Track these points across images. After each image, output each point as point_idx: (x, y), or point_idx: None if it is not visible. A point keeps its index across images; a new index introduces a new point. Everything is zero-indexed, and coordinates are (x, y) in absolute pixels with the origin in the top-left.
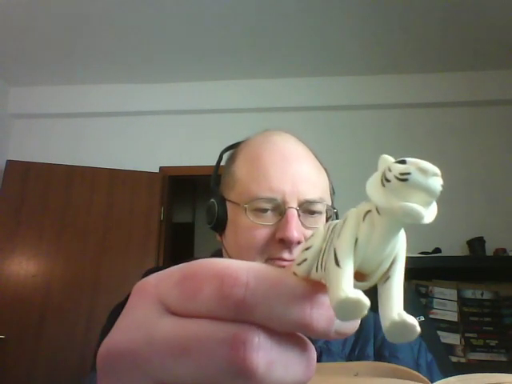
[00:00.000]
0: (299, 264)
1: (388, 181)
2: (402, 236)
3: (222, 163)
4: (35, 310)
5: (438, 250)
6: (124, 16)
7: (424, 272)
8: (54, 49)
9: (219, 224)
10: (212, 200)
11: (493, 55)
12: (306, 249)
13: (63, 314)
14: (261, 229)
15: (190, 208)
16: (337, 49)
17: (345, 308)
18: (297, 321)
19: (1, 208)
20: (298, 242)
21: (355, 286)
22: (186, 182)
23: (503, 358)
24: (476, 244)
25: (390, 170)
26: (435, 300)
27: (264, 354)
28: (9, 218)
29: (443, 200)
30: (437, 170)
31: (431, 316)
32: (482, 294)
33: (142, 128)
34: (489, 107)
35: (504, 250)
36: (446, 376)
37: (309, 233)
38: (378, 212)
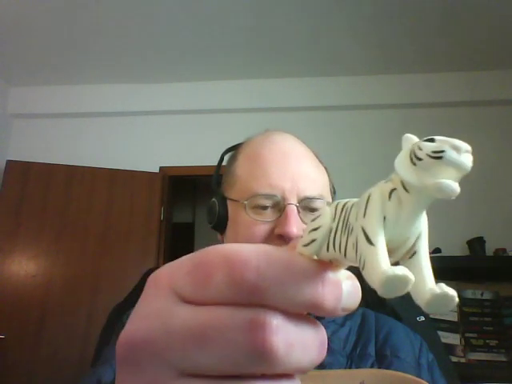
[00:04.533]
0: (307, 245)
1: (419, 159)
2: (424, 212)
3: (223, 163)
4: (35, 310)
5: (437, 250)
6: (124, 16)
7: None
8: (54, 49)
9: (220, 223)
10: (213, 199)
11: (493, 55)
12: (314, 229)
13: (63, 313)
14: (260, 225)
15: (190, 208)
16: (337, 49)
17: (391, 284)
18: (310, 300)
19: (1, 208)
20: None
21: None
22: (186, 182)
23: (503, 358)
24: (476, 244)
25: (420, 149)
26: None
27: (283, 336)
28: (9, 218)
29: (443, 200)
30: (469, 147)
31: (431, 316)
32: (481, 294)
33: (142, 128)
34: (489, 107)
35: (504, 250)
36: (446, 376)
37: None
38: (405, 189)
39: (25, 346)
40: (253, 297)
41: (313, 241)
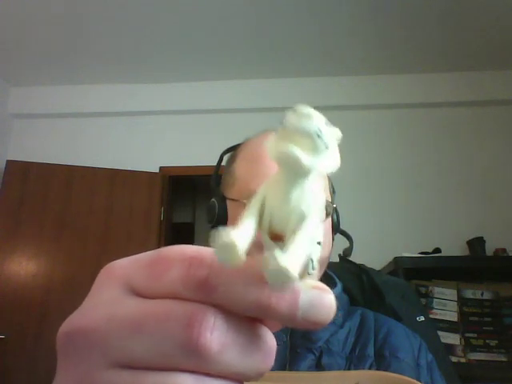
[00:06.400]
0: None
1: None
2: (310, 192)
3: (223, 163)
4: (35, 310)
5: (438, 250)
6: (123, 16)
7: (424, 272)
8: (54, 49)
9: (220, 223)
10: (213, 199)
11: (493, 55)
12: None
13: (63, 313)
14: None
15: (190, 208)
16: (337, 49)
17: (221, 251)
18: (255, 301)
19: (1, 208)
20: None
21: (272, 247)
22: (186, 182)
23: (503, 358)
24: (476, 244)
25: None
26: (435, 300)
27: (218, 335)
28: (9, 217)
29: (443, 200)
30: (311, 111)
31: (431, 316)
32: (482, 294)
33: (142, 128)
34: (489, 107)
35: (504, 250)
36: (446, 376)
37: None
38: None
39: (25, 346)
40: (201, 293)
41: None
